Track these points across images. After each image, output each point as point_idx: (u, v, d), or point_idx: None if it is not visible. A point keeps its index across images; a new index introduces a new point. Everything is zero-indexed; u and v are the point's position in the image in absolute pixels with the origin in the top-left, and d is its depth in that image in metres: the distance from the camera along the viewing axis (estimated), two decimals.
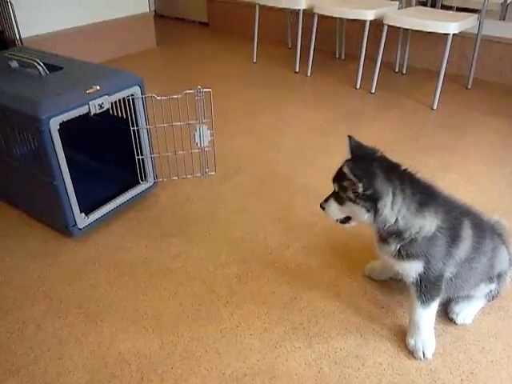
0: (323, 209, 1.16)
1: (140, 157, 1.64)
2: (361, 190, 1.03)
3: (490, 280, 1.22)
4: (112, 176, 1.77)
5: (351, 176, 1.02)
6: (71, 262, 1.45)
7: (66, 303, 1.30)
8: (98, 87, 1.42)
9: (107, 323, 1.24)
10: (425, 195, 1.07)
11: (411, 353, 1.16)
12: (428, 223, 1.05)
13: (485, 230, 1.17)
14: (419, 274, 1.09)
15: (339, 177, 1.10)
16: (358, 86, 2.80)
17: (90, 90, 1.40)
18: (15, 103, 1.35)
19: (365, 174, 1.02)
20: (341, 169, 1.09)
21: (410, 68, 3.09)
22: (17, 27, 2.55)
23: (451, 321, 1.24)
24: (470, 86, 2.81)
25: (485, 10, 2.56)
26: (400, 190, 1.04)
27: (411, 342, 1.16)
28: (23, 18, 2.64)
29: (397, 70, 3.08)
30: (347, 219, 1.15)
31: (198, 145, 1.72)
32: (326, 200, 1.15)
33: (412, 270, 1.09)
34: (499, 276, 1.23)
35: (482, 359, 1.15)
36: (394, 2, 2.80)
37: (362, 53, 2.69)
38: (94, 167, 1.82)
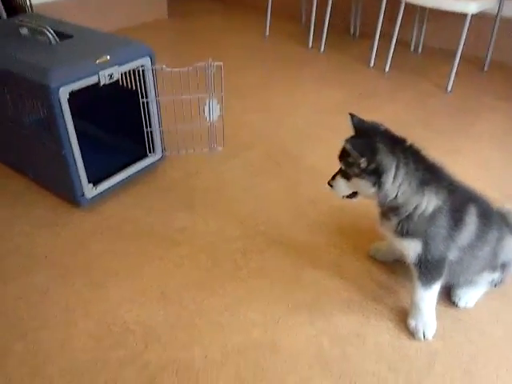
0: (331, 186, 1.16)
1: (149, 129, 1.63)
2: (364, 164, 1.04)
3: (494, 269, 1.22)
4: (121, 148, 1.76)
5: (353, 152, 1.04)
6: (78, 231, 1.47)
7: (72, 271, 1.32)
8: (108, 57, 1.40)
9: (112, 292, 1.26)
10: (428, 173, 1.06)
11: (412, 334, 1.17)
12: (425, 202, 1.05)
13: (492, 219, 1.15)
14: (419, 255, 1.10)
15: (343, 154, 1.11)
16: (371, 65, 2.75)
17: (100, 60, 1.39)
18: (25, 71, 1.34)
19: (367, 148, 1.04)
20: (344, 146, 1.11)
21: (426, 47, 3.02)
22: None
23: (453, 304, 1.24)
24: (486, 68, 2.74)
25: None
26: (403, 164, 1.04)
27: (412, 323, 1.17)
28: None
29: (412, 49, 3.02)
30: (354, 194, 1.16)
31: (207, 119, 1.71)
32: (333, 177, 1.16)
33: (411, 249, 1.10)
34: (503, 266, 1.22)
35: (482, 342, 1.16)
36: None
37: (378, 30, 2.63)
38: (103, 138, 1.81)
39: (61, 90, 1.30)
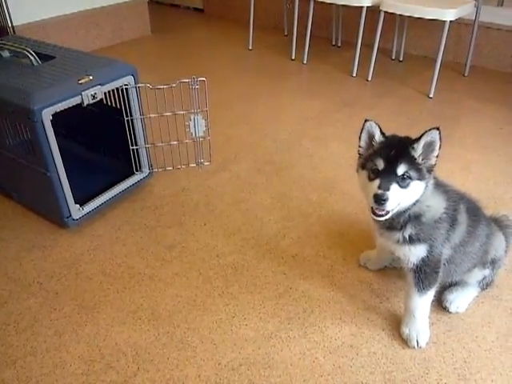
0: (385, 200, 0.99)
1: (134, 147, 1.63)
2: (434, 161, 1.04)
3: (484, 265, 1.24)
4: (107, 166, 1.76)
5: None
6: (67, 253, 1.45)
7: (61, 295, 1.30)
8: (91, 77, 1.40)
9: (103, 314, 1.25)
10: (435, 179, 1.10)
11: (405, 342, 1.17)
12: (440, 204, 1.08)
13: (479, 214, 1.18)
14: (422, 259, 1.10)
15: (404, 156, 1.02)
16: (354, 74, 2.78)
17: (83, 80, 1.39)
18: (7, 94, 1.34)
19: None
20: (406, 150, 1.03)
21: (407, 55, 3.07)
22: (9, 15, 2.51)
23: (445, 309, 1.25)
24: (466, 74, 2.79)
25: None
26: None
27: (405, 330, 1.17)
28: (15, 5, 2.60)
29: (393, 57, 3.06)
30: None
31: (193, 135, 1.71)
32: (387, 188, 1.00)
33: (415, 254, 1.10)
34: (493, 262, 1.24)
35: (476, 348, 1.17)
36: None
37: (359, 40, 2.66)
38: (88, 157, 1.81)
39: (44, 112, 1.29)
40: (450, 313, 1.25)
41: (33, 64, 1.47)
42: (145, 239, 1.51)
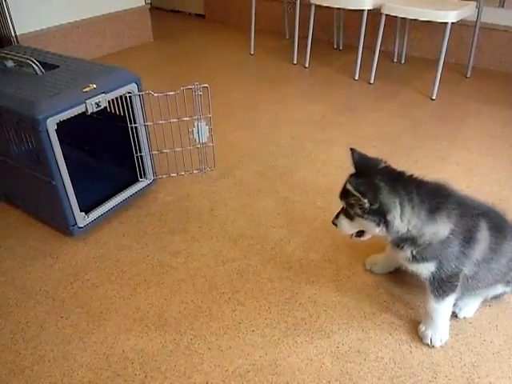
0: (335, 225, 1.15)
1: (139, 154, 1.63)
2: (367, 205, 1.03)
3: (508, 283, 1.21)
4: (111, 174, 1.76)
5: (355, 192, 1.03)
6: (72, 261, 1.46)
7: (68, 303, 1.31)
8: (95, 85, 1.41)
9: (110, 322, 1.25)
10: (435, 200, 1.06)
11: (420, 338, 1.17)
12: (442, 228, 1.05)
13: (505, 230, 1.13)
14: (432, 273, 1.09)
15: (345, 194, 1.09)
16: (356, 77, 2.78)
17: (87, 89, 1.39)
18: (12, 104, 1.34)
19: (369, 188, 1.03)
20: (345, 186, 1.09)
21: (409, 57, 3.07)
22: (12, 24, 2.53)
23: (452, 314, 1.24)
24: (469, 75, 2.79)
25: None
26: (407, 199, 1.04)
27: (422, 328, 1.18)
28: (18, 15, 2.62)
29: (395, 60, 3.06)
30: (361, 233, 1.14)
31: (197, 141, 1.72)
32: (337, 216, 1.15)
33: (425, 270, 1.10)
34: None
35: (484, 351, 1.16)
36: None
37: (361, 43, 2.67)
38: (92, 165, 1.81)
39: (48, 121, 1.30)
40: (458, 318, 1.24)
41: (37, 73, 1.48)
42: (150, 246, 1.51)
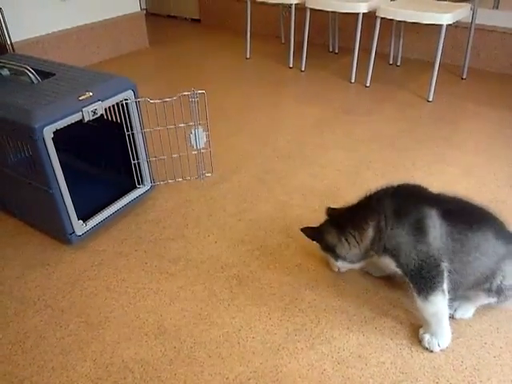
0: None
1: (136, 161, 1.63)
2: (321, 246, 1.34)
3: (488, 293, 1.18)
4: (108, 181, 1.76)
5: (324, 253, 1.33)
6: (71, 269, 1.45)
7: (67, 312, 1.30)
8: (91, 93, 1.41)
9: (109, 331, 1.24)
10: (357, 213, 1.23)
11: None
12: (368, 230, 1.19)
13: (479, 223, 1.14)
14: (410, 270, 1.13)
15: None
16: (352, 80, 2.79)
17: (83, 97, 1.39)
18: (8, 112, 1.34)
19: (316, 235, 1.35)
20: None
21: (405, 59, 3.08)
22: (7, 32, 2.53)
23: (451, 317, 1.24)
24: (465, 76, 2.80)
25: None
26: (347, 236, 1.24)
27: (421, 331, 1.19)
28: (14, 22, 2.62)
29: (391, 62, 3.07)
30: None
31: (194, 147, 1.71)
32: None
33: (387, 263, 1.18)
34: (499, 291, 1.16)
35: (485, 354, 1.16)
36: None
37: (356, 46, 2.68)
38: (90, 172, 1.81)
39: (45, 129, 1.29)
40: (455, 319, 1.24)
41: (32, 82, 1.48)
42: (149, 253, 1.51)
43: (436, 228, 1.12)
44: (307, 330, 1.22)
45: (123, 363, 1.15)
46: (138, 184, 1.68)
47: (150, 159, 1.67)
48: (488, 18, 2.77)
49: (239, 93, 2.71)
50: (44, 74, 1.53)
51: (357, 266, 1.30)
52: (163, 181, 1.78)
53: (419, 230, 1.12)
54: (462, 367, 1.13)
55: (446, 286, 1.12)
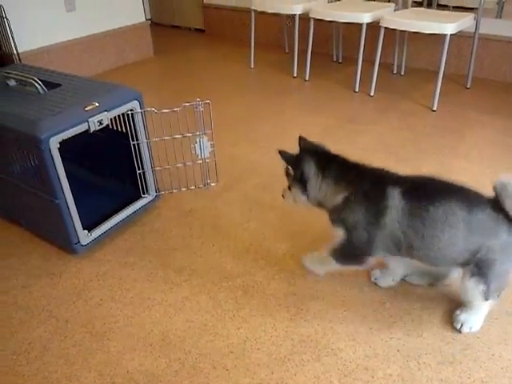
0: (283, 197, 1.39)
1: (141, 171, 1.63)
2: (292, 172, 1.30)
3: (474, 271, 1.13)
4: (114, 190, 1.76)
5: (284, 162, 1.31)
6: (75, 279, 1.45)
7: (71, 322, 1.30)
8: (97, 104, 1.41)
9: (114, 342, 1.23)
10: (343, 174, 1.24)
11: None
12: (339, 196, 1.23)
13: (433, 196, 1.13)
14: (344, 239, 1.22)
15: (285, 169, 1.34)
16: (356, 89, 2.79)
17: (89, 107, 1.40)
18: (14, 123, 1.35)
19: (294, 161, 1.29)
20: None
21: (408, 69, 3.09)
22: (14, 42, 2.55)
23: (458, 331, 1.23)
24: (469, 86, 2.80)
25: (481, 8, 2.55)
26: (324, 173, 1.25)
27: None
28: (20, 33, 2.64)
29: (395, 72, 3.08)
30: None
31: (199, 157, 1.72)
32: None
33: (338, 235, 1.24)
34: (480, 264, 1.11)
35: (493, 366, 1.14)
36: (390, 4, 2.80)
37: (360, 56, 2.69)
38: (95, 182, 1.81)
39: (51, 140, 1.30)
40: (462, 333, 1.23)
41: (39, 92, 1.49)
42: (153, 263, 1.50)
43: (395, 208, 1.15)
44: (313, 342, 1.21)
45: (128, 374, 1.15)
46: (143, 193, 1.68)
47: (155, 169, 1.68)
48: (492, 27, 2.78)
49: (243, 102, 2.71)
50: (50, 85, 1.54)
51: (303, 206, 1.34)
52: (168, 190, 1.78)
53: (378, 212, 1.16)
54: (470, 380, 1.11)
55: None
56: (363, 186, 1.20)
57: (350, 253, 1.26)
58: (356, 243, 1.21)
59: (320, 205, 1.29)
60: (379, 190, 1.17)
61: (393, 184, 1.17)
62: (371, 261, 1.25)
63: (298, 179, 1.28)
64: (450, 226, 1.11)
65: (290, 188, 1.33)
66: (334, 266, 1.30)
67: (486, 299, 1.17)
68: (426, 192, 1.15)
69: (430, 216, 1.12)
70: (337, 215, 1.24)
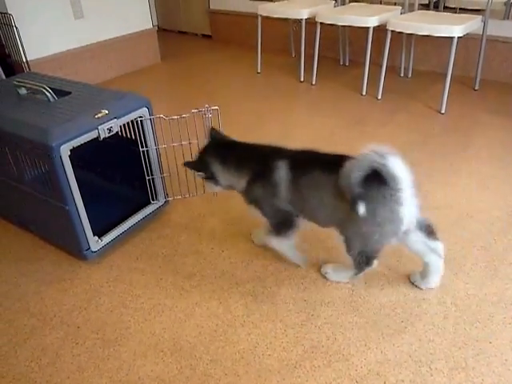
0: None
1: (150, 177, 1.64)
2: (203, 176, 1.43)
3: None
4: (123, 197, 1.77)
5: (194, 172, 1.45)
6: (86, 285, 1.46)
7: (83, 329, 1.30)
8: (107, 111, 1.43)
9: (125, 348, 1.24)
10: (240, 160, 1.38)
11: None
12: (242, 181, 1.36)
13: (306, 168, 1.28)
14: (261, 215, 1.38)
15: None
16: (363, 93, 2.79)
17: (99, 115, 1.41)
18: (25, 131, 1.36)
19: (203, 167, 1.41)
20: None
21: (416, 71, 3.08)
22: (23, 50, 2.58)
23: (416, 287, 1.34)
24: (477, 87, 2.79)
25: (489, 10, 2.54)
26: (227, 166, 1.38)
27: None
28: (29, 41, 2.67)
29: (402, 75, 3.07)
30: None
31: None
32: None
33: (254, 213, 1.39)
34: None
35: (505, 371, 1.13)
36: (396, 7, 2.80)
37: (367, 59, 2.68)
38: (105, 188, 1.83)
39: (61, 147, 1.31)
40: (422, 289, 1.35)
41: (49, 100, 1.50)
42: (163, 269, 1.51)
43: (283, 179, 1.29)
44: (324, 347, 1.21)
45: (139, 380, 1.15)
46: (153, 199, 1.69)
47: (164, 175, 1.69)
48: (499, 28, 2.77)
49: (251, 106, 2.72)
50: (60, 93, 1.56)
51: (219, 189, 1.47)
52: (177, 196, 1.78)
53: (273, 186, 1.30)
54: None
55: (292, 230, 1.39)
56: (257, 167, 1.35)
57: (273, 223, 1.40)
58: (269, 214, 1.38)
59: (234, 189, 1.44)
60: (269, 166, 1.32)
61: (281, 158, 1.31)
62: (298, 221, 1.37)
63: (207, 178, 1.43)
64: (316, 190, 1.27)
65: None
66: (276, 240, 1.42)
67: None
68: (303, 163, 1.30)
69: (304, 183, 1.28)
70: (246, 197, 1.39)
